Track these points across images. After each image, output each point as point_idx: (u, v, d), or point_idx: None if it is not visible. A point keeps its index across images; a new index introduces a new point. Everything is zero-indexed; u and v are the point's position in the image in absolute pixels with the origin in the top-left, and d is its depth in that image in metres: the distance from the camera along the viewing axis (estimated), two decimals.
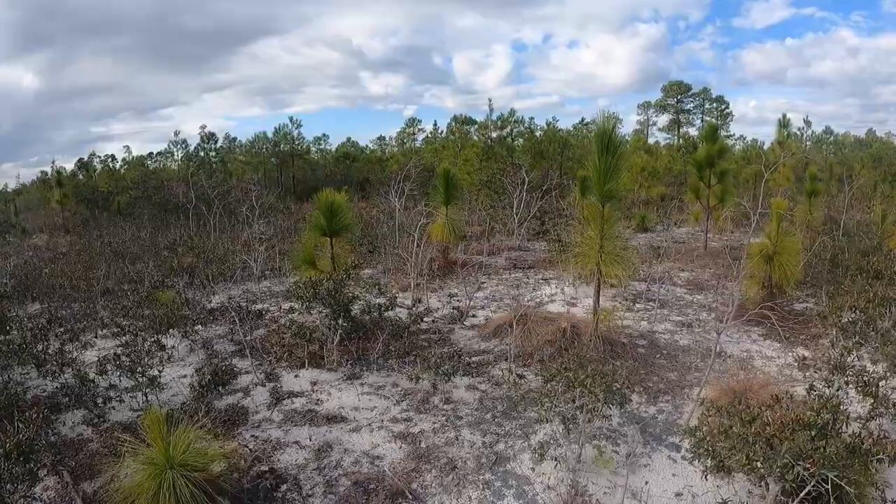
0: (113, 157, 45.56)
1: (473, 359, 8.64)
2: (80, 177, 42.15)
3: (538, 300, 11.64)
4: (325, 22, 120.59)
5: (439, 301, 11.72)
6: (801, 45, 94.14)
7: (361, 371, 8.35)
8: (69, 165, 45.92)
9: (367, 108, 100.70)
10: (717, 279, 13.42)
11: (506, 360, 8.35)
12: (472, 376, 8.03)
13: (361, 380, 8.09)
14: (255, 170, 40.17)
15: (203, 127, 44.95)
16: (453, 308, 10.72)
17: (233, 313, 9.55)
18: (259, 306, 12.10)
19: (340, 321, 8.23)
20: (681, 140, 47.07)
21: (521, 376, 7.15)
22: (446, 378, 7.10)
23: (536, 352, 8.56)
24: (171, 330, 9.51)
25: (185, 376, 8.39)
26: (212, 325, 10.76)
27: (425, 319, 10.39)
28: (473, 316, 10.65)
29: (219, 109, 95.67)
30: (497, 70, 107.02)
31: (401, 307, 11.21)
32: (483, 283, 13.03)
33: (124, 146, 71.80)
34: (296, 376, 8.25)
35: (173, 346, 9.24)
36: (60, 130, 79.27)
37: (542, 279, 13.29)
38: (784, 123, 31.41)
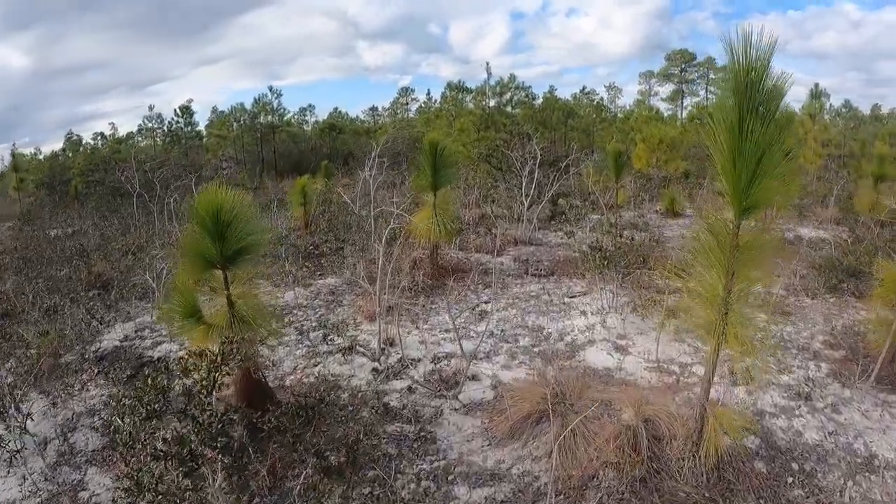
0: (102, 134, 41.73)
1: (476, 493, 4.58)
2: (60, 158, 38.54)
3: (570, 339, 7.54)
4: None
5: (422, 341, 7.65)
6: (803, 18, 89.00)
7: None
8: (59, 145, 42.63)
9: (363, 80, 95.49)
10: (796, 293, 9.42)
11: (536, 501, 4.31)
12: None
13: None
14: (233, 144, 35.81)
15: (190, 101, 40.63)
16: (435, 371, 6.61)
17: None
18: (166, 347, 8.01)
19: (220, 453, 4.02)
20: (693, 109, 42.55)
21: None
22: None
23: (590, 483, 4.51)
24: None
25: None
26: (94, 382, 6.80)
27: (398, 386, 6.37)
28: (474, 378, 6.52)
29: (212, 83, 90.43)
30: (494, 39, 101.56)
31: (363, 353, 7.21)
32: (487, 301, 8.95)
33: (109, 123, 67.56)
34: None
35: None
36: (51, 110, 74.04)
37: (568, 296, 9.12)
38: (816, 94, 27.17)
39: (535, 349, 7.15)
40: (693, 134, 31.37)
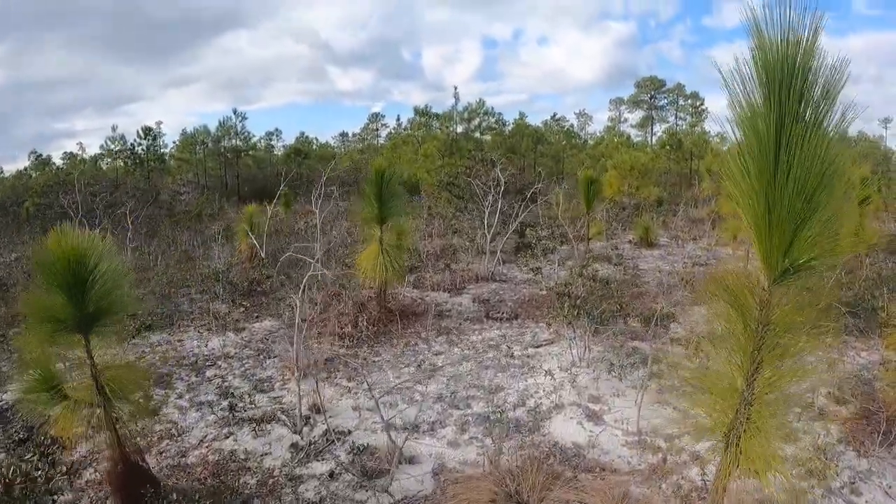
0: (71, 153, 40.16)
1: None
2: (22, 178, 36.84)
3: (533, 403, 6.23)
4: (293, 13, 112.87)
5: (356, 406, 6.31)
6: None
7: None
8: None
9: (335, 104, 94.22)
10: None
11: None
12: None
13: None
14: (194, 168, 34.32)
15: (159, 122, 39.07)
16: (365, 451, 5.24)
17: None
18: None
19: None
20: (664, 136, 41.96)
21: None
22: None
23: None
24: None
25: None
26: None
27: (318, 470, 5.04)
28: (412, 461, 5.18)
29: (184, 105, 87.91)
30: (466, 66, 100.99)
31: (284, 423, 5.87)
32: (440, 354, 7.65)
33: (77, 143, 65.62)
34: None
35: None
36: (21, 126, 71.08)
37: (534, 345, 7.82)
38: None
39: (493, 417, 5.84)
40: (664, 160, 30.65)
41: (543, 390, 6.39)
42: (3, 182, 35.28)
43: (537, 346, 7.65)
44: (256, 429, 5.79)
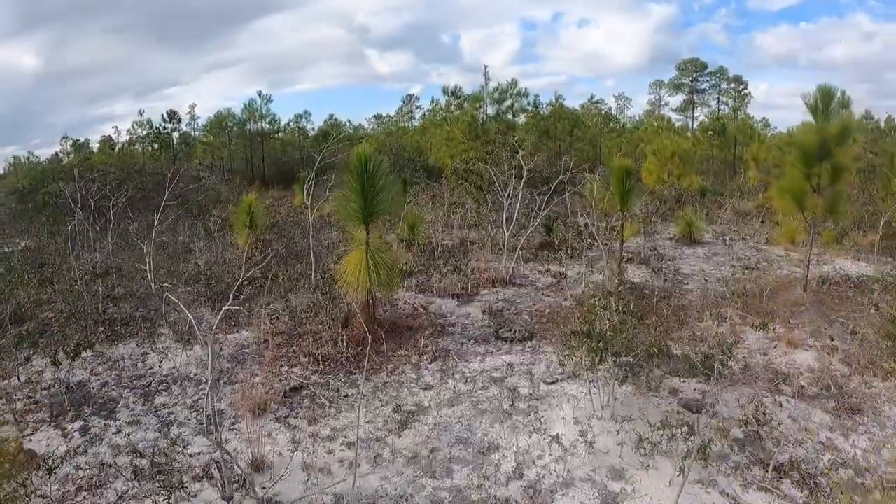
0: (110, 138, 39.84)
1: None
2: (51, 163, 36.45)
3: (533, 474, 4.65)
4: None
5: (308, 464, 4.84)
6: (816, 29, 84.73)
7: None
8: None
9: (373, 88, 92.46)
10: (860, 369, 6.50)
11: None
12: None
13: None
14: (216, 152, 33.41)
15: (193, 105, 38.05)
16: None
17: None
18: None
19: None
20: (706, 120, 39.23)
21: None
22: None
23: None
24: None
25: None
26: None
27: None
28: None
29: (222, 89, 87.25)
30: (505, 49, 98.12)
31: (215, 482, 4.49)
32: (430, 388, 6.13)
33: (113, 127, 65.83)
34: None
35: None
36: (62, 112, 71.44)
37: (546, 382, 6.18)
38: (845, 103, 23.94)
39: (475, 496, 4.30)
40: (707, 146, 28.42)
41: (551, 455, 4.82)
42: (35, 168, 34.74)
43: (551, 383, 6.04)
44: (179, 491, 4.42)
